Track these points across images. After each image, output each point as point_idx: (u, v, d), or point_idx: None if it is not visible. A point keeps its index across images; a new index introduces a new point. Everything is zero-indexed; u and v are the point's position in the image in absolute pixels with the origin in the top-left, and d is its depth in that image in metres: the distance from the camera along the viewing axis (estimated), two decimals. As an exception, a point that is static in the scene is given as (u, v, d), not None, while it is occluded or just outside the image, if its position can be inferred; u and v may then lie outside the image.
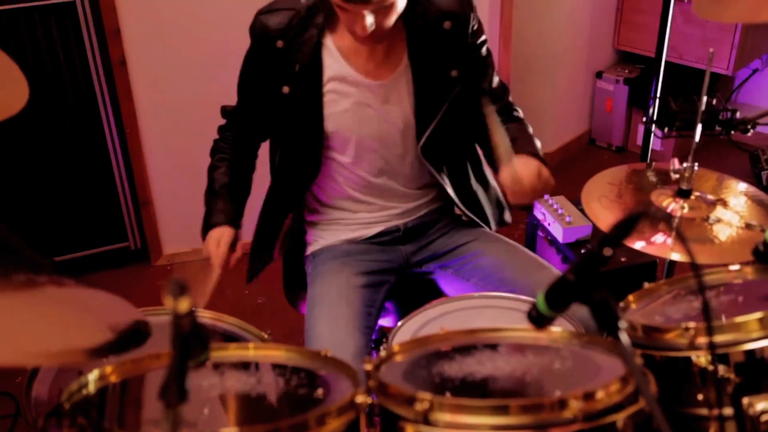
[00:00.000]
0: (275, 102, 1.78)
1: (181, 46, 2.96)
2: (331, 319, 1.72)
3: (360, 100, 1.76)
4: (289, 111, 1.79)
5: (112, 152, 3.04)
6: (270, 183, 1.95)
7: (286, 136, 1.84)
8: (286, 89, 1.76)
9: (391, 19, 1.62)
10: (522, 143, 1.80)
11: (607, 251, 0.90)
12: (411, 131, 1.81)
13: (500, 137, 1.63)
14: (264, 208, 1.97)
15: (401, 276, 1.94)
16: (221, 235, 1.83)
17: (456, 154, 1.92)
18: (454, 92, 1.79)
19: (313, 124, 1.78)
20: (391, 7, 1.58)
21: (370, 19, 1.56)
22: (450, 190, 1.89)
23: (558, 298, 0.98)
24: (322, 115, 1.77)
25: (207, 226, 1.87)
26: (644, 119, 2.18)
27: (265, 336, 1.52)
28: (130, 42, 2.90)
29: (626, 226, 0.88)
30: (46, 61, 2.81)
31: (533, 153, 1.76)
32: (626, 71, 4.04)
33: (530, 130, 1.88)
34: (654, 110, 1.80)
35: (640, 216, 0.88)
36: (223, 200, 1.88)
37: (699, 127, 1.66)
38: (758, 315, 1.17)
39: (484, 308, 1.63)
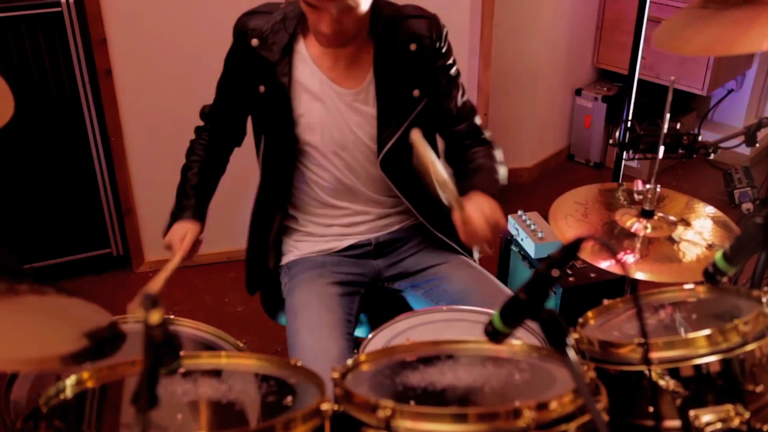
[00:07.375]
0: (252, 100, 1.86)
1: (166, 56, 3.00)
2: (314, 326, 1.76)
3: (328, 104, 1.83)
4: (265, 109, 1.87)
5: (96, 160, 3.06)
6: (258, 185, 1.99)
7: (266, 134, 1.91)
8: (262, 88, 1.83)
9: (355, 20, 1.69)
10: (481, 177, 1.83)
11: (555, 272, 0.96)
12: (374, 143, 1.87)
13: (442, 183, 1.63)
14: (254, 212, 2.02)
15: (374, 289, 1.99)
16: (187, 229, 1.90)
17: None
18: (416, 111, 1.85)
19: (288, 122, 1.84)
20: (355, 6, 1.65)
21: (335, 15, 1.63)
22: (410, 205, 1.94)
23: (511, 316, 1.04)
24: (293, 112, 1.83)
25: (174, 220, 1.93)
26: (610, 141, 2.25)
27: (241, 345, 1.57)
28: (116, 52, 2.93)
29: (570, 250, 0.95)
30: (32, 69, 2.84)
31: (489, 191, 1.76)
32: (605, 89, 4.11)
33: (497, 155, 1.91)
34: (620, 133, 1.87)
35: (582, 241, 0.95)
36: (191, 199, 1.95)
37: (661, 150, 1.73)
38: (706, 332, 1.24)
39: (452, 321, 1.68)
